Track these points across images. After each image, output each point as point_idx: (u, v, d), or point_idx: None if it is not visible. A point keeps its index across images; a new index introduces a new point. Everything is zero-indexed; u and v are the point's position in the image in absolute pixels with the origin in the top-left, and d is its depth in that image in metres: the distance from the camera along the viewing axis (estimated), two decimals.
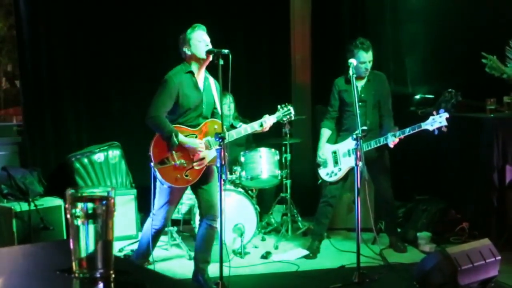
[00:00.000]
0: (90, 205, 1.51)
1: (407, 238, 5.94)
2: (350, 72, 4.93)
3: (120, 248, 5.82)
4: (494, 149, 5.52)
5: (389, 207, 5.80)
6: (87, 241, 1.52)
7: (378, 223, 6.17)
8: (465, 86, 6.33)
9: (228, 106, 6.43)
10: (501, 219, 5.64)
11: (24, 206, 5.60)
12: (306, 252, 5.67)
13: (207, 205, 4.70)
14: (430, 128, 5.06)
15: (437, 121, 5.03)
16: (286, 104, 4.96)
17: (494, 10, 6.43)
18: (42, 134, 6.58)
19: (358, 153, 4.66)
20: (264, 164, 6.01)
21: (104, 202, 1.53)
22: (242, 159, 6.05)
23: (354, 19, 7.27)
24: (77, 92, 6.74)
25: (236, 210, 5.68)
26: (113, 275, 1.56)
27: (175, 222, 6.06)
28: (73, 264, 1.55)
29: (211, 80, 4.74)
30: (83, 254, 1.52)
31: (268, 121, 4.75)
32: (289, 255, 5.66)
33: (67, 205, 1.55)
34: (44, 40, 6.55)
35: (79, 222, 1.52)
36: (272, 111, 5.89)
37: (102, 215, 1.53)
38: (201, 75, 4.66)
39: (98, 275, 1.54)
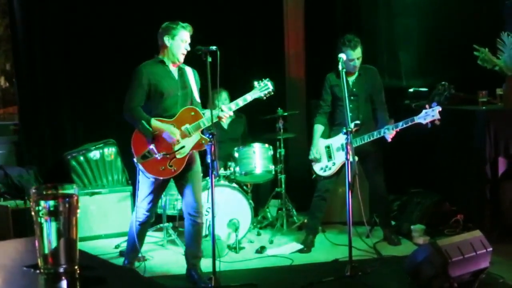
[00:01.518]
0: (51, 202, 1.56)
1: (402, 231, 5.96)
2: (340, 66, 4.95)
3: (116, 244, 5.86)
4: (486, 141, 5.53)
5: (382, 201, 5.82)
6: (50, 237, 1.56)
7: (373, 217, 6.20)
8: (458, 79, 6.35)
9: (222, 102, 6.46)
10: (494, 211, 5.66)
11: (20, 205, 5.65)
12: (300, 246, 5.70)
13: (190, 202, 4.73)
14: (423, 122, 5.09)
15: (430, 114, 5.06)
16: (263, 79, 4.81)
17: (486, 3, 6.44)
18: (38, 133, 6.63)
19: (349, 147, 4.69)
20: (258, 159, 6.04)
21: (66, 199, 1.57)
22: (236, 154, 6.08)
23: (348, 13, 7.29)
24: (72, 90, 6.79)
25: (230, 206, 5.73)
26: (78, 270, 1.60)
27: (170, 218, 6.10)
28: (39, 260, 1.59)
29: (188, 69, 4.75)
30: (47, 250, 1.56)
31: (226, 107, 4.67)
32: (284, 249, 5.70)
33: (31, 203, 1.59)
34: (38, 40, 6.61)
35: (42, 219, 1.56)
36: (265, 107, 5.91)
37: (64, 212, 1.57)
38: (175, 65, 4.69)
39: (62, 271, 1.58)
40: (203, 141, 4.62)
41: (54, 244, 1.56)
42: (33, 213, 1.60)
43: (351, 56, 5.42)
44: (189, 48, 4.57)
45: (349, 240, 4.78)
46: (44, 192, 1.59)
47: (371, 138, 5.35)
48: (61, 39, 6.73)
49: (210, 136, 4.35)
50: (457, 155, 6.01)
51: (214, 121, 4.48)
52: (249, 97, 4.73)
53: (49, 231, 1.56)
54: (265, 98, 4.82)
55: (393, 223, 6.06)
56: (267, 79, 4.82)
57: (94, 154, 6.47)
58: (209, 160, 4.38)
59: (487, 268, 4.48)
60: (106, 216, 6.22)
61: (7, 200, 5.78)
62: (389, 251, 5.54)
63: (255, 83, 4.79)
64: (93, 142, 6.58)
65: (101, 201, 6.24)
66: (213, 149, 4.32)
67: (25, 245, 1.88)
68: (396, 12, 7.10)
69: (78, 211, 1.62)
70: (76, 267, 1.61)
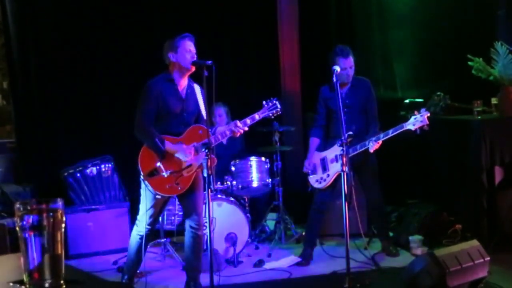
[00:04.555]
0: (35, 217, 1.55)
1: (400, 242, 5.94)
2: (334, 78, 4.94)
3: (114, 261, 5.82)
4: (482, 151, 5.53)
5: (379, 212, 5.81)
6: (34, 253, 1.56)
7: (371, 228, 6.18)
8: (452, 89, 6.37)
9: (220, 116, 6.48)
10: (492, 220, 5.64)
11: None
12: (298, 259, 5.68)
13: (192, 214, 4.72)
14: (412, 128, 5.09)
15: (419, 120, 5.06)
16: (271, 98, 4.91)
17: (479, 14, 6.47)
18: (34, 150, 6.64)
19: (344, 158, 4.67)
20: (255, 172, 6.06)
21: (50, 214, 1.57)
22: (233, 168, 6.09)
23: (342, 26, 7.31)
24: (67, 107, 6.80)
25: (228, 220, 5.72)
26: (63, 285, 1.59)
27: (168, 233, 6.08)
28: (24, 275, 1.58)
29: (196, 87, 4.78)
30: (31, 266, 1.56)
31: (241, 123, 4.71)
32: (282, 262, 5.67)
33: (15, 218, 1.59)
34: (34, 58, 6.64)
35: (26, 234, 1.56)
36: (262, 120, 5.91)
37: (48, 226, 1.56)
38: (183, 83, 4.71)
39: (47, 286, 1.57)
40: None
41: (38, 259, 1.56)
42: (17, 229, 1.60)
43: (343, 65, 5.43)
44: (195, 57, 4.59)
45: (347, 252, 4.75)
46: (28, 207, 1.59)
47: (357, 151, 5.33)
48: (56, 57, 6.75)
49: (206, 151, 4.35)
50: (453, 165, 6.01)
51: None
52: (257, 116, 4.81)
53: (33, 247, 1.56)
54: (273, 117, 4.95)
55: (391, 234, 6.05)
56: (275, 98, 4.92)
57: (91, 171, 6.45)
58: (205, 175, 4.38)
59: (485, 278, 4.48)
60: (103, 233, 6.21)
61: (4, 218, 5.77)
62: (387, 262, 5.52)
63: (264, 102, 4.89)
64: (90, 158, 6.56)
65: (99, 218, 6.22)
66: (209, 163, 4.32)
67: (14, 260, 1.87)
68: (390, 24, 7.13)
69: (63, 225, 1.62)
70: (61, 282, 1.60)
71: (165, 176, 4.53)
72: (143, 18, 7.01)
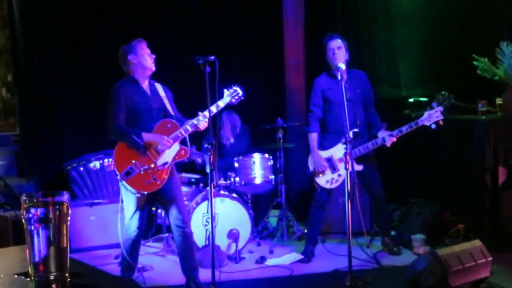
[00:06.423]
0: (41, 209, 1.56)
1: (402, 241, 5.94)
2: (339, 76, 4.93)
3: (116, 255, 5.83)
4: (486, 151, 5.53)
5: (381, 210, 5.79)
6: (40, 245, 1.56)
7: (373, 227, 6.18)
8: (457, 88, 6.36)
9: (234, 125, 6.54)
10: (494, 220, 5.64)
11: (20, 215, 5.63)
12: (300, 256, 5.68)
13: (175, 213, 4.71)
14: (428, 123, 5.14)
15: (433, 115, 5.13)
16: (232, 86, 4.90)
17: (485, 13, 6.46)
18: (38, 144, 6.65)
19: (348, 157, 4.66)
20: (258, 169, 6.06)
21: (57, 207, 1.57)
22: (236, 164, 6.09)
23: (347, 23, 7.30)
24: (72, 101, 6.82)
25: (230, 216, 5.71)
26: (68, 278, 1.60)
27: (170, 229, 6.07)
28: (29, 267, 1.59)
29: (157, 85, 4.83)
30: (37, 258, 1.56)
31: (202, 115, 4.64)
32: (284, 259, 5.68)
33: (22, 211, 1.60)
34: (38, 51, 6.64)
35: (32, 227, 1.56)
36: (266, 117, 5.93)
37: (54, 219, 1.57)
38: (146, 83, 4.76)
39: (52, 278, 1.58)
40: (183, 152, 4.65)
41: (44, 251, 1.57)
42: (23, 221, 1.61)
43: (330, 46, 5.47)
44: (154, 56, 4.67)
45: (349, 250, 4.76)
46: (35, 200, 1.60)
47: (375, 146, 5.33)
48: (61, 51, 6.76)
49: (209, 147, 4.34)
50: (456, 165, 6.01)
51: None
52: (221, 103, 4.79)
53: (39, 239, 1.57)
54: (236, 103, 4.94)
55: (393, 232, 6.04)
56: (236, 85, 4.92)
57: (94, 165, 6.47)
58: (208, 170, 4.38)
59: (487, 278, 4.48)
60: (106, 227, 6.21)
61: (7, 211, 5.78)
62: (389, 261, 5.51)
63: (225, 90, 4.87)
64: (93, 152, 6.57)
65: (101, 212, 6.23)
66: (212, 159, 4.32)
67: (19, 253, 1.88)
68: (395, 22, 7.12)
69: (69, 218, 1.62)
70: (66, 274, 1.61)
71: (142, 173, 4.52)
72: (146, 15, 7.00)
